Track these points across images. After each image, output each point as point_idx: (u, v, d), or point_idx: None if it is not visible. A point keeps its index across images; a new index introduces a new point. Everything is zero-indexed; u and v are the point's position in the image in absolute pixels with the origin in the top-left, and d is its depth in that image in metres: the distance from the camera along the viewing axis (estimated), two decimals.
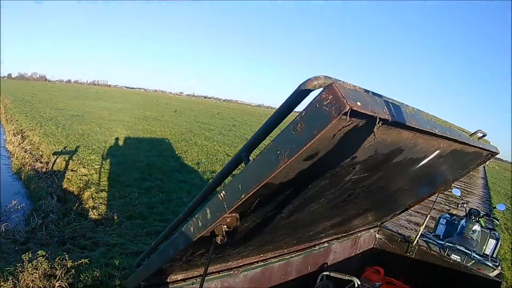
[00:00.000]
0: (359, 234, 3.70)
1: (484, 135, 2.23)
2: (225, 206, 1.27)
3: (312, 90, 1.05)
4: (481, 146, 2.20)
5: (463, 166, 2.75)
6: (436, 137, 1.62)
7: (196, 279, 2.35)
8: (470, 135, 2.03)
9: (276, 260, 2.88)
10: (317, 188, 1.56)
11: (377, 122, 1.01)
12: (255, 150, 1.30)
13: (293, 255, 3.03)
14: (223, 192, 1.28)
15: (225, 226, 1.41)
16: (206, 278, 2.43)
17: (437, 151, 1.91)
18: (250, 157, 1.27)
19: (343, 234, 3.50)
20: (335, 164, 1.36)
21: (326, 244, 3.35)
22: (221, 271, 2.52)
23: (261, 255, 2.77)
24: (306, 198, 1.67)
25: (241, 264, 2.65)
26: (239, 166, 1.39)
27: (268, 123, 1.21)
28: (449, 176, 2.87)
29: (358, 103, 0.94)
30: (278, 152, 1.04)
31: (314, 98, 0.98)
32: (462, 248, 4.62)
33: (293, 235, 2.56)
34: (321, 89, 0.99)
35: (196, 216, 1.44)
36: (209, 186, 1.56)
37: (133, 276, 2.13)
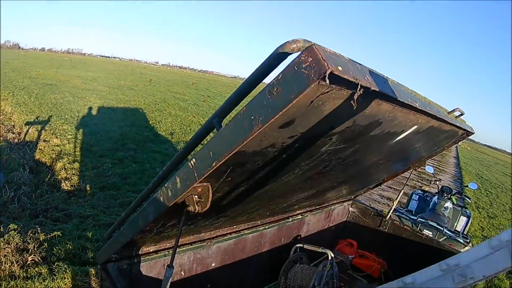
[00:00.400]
0: (332, 207, 3.74)
1: (461, 114, 2.23)
2: (196, 174, 1.20)
3: (290, 54, 0.99)
4: (458, 124, 2.21)
5: (439, 143, 2.77)
6: (415, 111, 1.59)
7: (168, 251, 2.32)
8: (448, 113, 2.02)
9: (249, 231, 2.88)
10: (292, 158, 1.51)
11: (358, 89, 0.96)
12: (228, 117, 1.22)
13: (267, 227, 3.03)
14: (193, 160, 1.20)
15: (196, 196, 1.36)
16: (179, 250, 2.40)
17: (415, 127, 1.90)
18: (222, 124, 1.19)
19: (316, 207, 3.53)
20: (312, 133, 1.30)
21: (299, 216, 3.37)
22: (194, 243, 2.50)
23: (234, 226, 2.76)
24: (281, 169, 1.62)
25: (214, 235, 2.63)
26: (211, 134, 1.32)
27: (242, 88, 1.14)
28: (424, 152, 2.89)
29: (339, 68, 0.89)
30: (252, 117, 0.97)
31: (292, 61, 0.91)
32: (434, 224, 4.74)
33: (266, 206, 2.53)
34: (300, 52, 0.92)
35: (165, 185, 1.37)
36: (180, 153, 1.47)
37: (104, 249, 2.06)
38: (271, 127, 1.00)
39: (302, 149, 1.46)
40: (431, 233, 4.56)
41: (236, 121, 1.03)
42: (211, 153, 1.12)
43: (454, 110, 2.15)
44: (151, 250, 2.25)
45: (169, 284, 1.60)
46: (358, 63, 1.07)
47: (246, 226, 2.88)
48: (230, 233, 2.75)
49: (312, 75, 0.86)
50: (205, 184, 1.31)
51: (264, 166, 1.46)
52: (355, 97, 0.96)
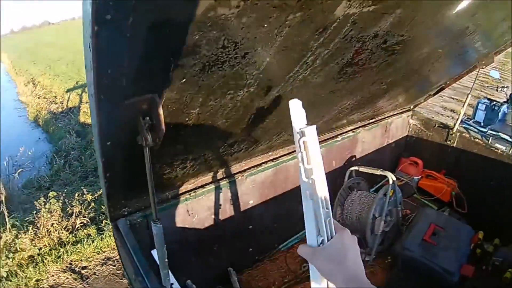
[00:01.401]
0: (389, 120, 3.11)
1: None
2: None
3: None
4: None
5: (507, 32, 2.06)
6: None
7: (190, 193, 2.02)
8: None
9: (289, 157, 2.42)
10: (285, 32, 0.88)
11: None
12: None
13: None
14: None
15: (147, 119, 0.88)
16: (205, 189, 2.02)
17: None
18: None
19: (370, 120, 2.94)
20: None
21: (351, 134, 2.82)
22: (222, 179, 2.13)
23: (269, 153, 2.31)
24: (276, 54, 0.99)
25: (246, 167, 2.23)
26: None
27: None
28: (490, 47, 2.25)
29: None
30: None
31: None
32: (507, 137, 4.09)
33: None
34: None
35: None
36: None
37: (106, 205, 1.75)
38: None
39: (294, 10, 0.83)
40: (504, 147, 3.84)
41: None
42: None
43: None
44: (169, 197, 1.93)
45: (163, 241, 1.29)
46: None
47: (285, 152, 2.40)
48: (266, 162, 2.32)
49: None
50: (149, 96, 0.82)
51: (240, 50, 0.87)
52: None
